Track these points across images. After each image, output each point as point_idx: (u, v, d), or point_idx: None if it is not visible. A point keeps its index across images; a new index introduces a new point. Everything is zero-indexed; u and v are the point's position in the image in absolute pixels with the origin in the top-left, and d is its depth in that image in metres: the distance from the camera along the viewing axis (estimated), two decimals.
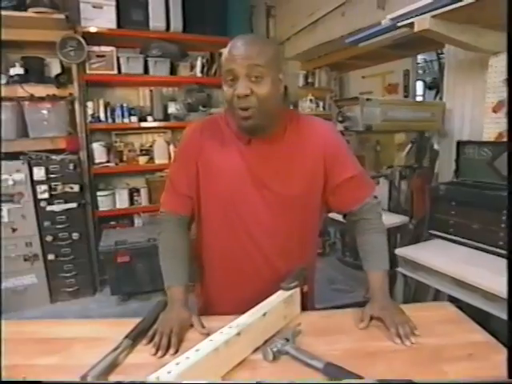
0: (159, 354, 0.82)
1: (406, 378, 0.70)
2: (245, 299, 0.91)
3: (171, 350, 0.83)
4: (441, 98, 2.20)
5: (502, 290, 1.18)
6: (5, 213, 2.59)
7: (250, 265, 1.02)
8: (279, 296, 0.92)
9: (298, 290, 0.97)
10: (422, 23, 1.39)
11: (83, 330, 0.96)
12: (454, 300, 1.38)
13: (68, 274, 2.89)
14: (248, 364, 0.78)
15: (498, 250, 1.43)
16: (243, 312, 0.85)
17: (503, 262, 1.38)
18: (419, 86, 4.87)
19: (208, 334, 0.87)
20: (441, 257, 1.49)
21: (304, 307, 1.00)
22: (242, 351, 0.79)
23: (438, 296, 1.77)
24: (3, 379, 0.70)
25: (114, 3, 2.88)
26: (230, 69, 0.87)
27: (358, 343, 0.85)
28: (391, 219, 1.98)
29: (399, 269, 1.59)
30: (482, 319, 0.98)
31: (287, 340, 0.81)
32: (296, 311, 0.97)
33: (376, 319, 0.92)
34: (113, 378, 0.76)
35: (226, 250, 1.03)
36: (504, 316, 1.18)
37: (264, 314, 0.84)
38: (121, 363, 0.81)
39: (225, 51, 0.90)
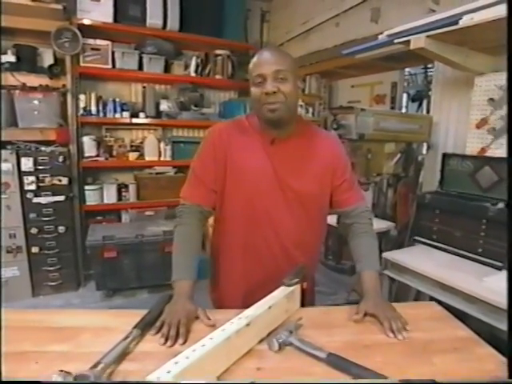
0: (168, 343, 0.86)
1: (402, 368, 0.77)
2: (261, 286, 1.03)
3: (180, 340, 0.86)
4: (427, 111, 2.32)
5: (481, 293, 1.29)
6: None
7: (270, 254, 1.13)
8: (282, 291, 0.97)
9: (298, 286, 1.03)
10: (417, 41, 1.49)
11: (90, 320, 0.98)
12: (435, 301, 1.48)
13: (52, 268, 2.85)
14: (255, 354, 0.83)
15: (478, 257, 1.54)
16: (257, 300, 0.92)
17: (482, 268, 1.50)
18: (403, 97, 5.07)
19: (214, 326, 0.92)
20: (425, 261, 1.59)
21: (303, 303, 1.06)
22: (250, 341, 0.84)
23: (418, 297, 1.87)
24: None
25: None
26: (260, 73, 1.01)
27: (355, 336, 0.91)
28: (377, 224, 2.06)
29: (386, 271, 1.68)
30: (460, 319, 1.07)
31: (290, 332, 0.87)
32: (296, 306, 1.03)
33: (370, 315, 0.98)
34: (124, 364, 0.79)
35: (249, 239, 1.13)
36: (481, 316, 1.29)
37: (269, 307, 0.89)
38: (131, 351, 0.84)
39: (253, 60, 1.06)
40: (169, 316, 0.93)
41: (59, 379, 0.69)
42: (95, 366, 0.74)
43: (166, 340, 0.86)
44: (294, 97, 1.04)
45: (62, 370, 0.70)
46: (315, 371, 0.78)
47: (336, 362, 0.78)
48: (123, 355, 0.81)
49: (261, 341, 0.87)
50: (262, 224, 1.11)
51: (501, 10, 1.24)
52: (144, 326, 0.92)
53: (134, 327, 0.90)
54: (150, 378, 0.63)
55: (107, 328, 0.93)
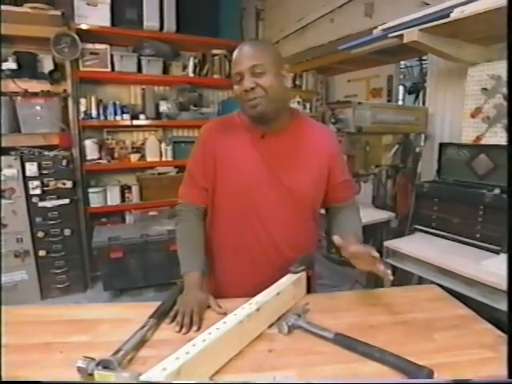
0: (183, 331, 0.90)
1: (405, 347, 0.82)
2: (255, 286, 0.99)
3: (194, 327, 0.91)
4: (423, 103, 2.37)
5: (480, 276, 1.34)
6: None
7: (262, 253, 1.11)
8: (289, 278, 1.02)
9: (304, 273, 1.07)
10: (410, 35, 1.53)
11: (107, 313, 1.03)
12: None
13: (59, 271, 2.89)
14: (266, 337, 0.88)
15: (476, 242, 1.59)
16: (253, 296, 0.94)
17: (480, 252, 1.54)
18: (400, 90, 5.10)
19: (225, 313, 0.96)
20: (425, 248, 1.63)
21: (309, 289, 1.11)
22: (260, 325, 0.88)
23: (420, 284, 1.92)
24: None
25: (108, 1, 2.91)
26: (237, 71, 1.00)
27: (360, 318, 0.96)
28: (378, 215, 2.13)
29: (387, 260, 1.73)
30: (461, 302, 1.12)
31: (299, 316, 0.92)
32: (302, 292, 1.08)
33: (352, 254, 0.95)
34: (143, 351, 0.84)
35: (240, 238, 1.12)
36: (481, 298, 1.34)
37: (277, 294, 0.94)
38: (149, 339, 0.88)
39: (233, 57, 1.03)
40: (182, 306, 0.97)
41: (84, 365, 0.74)
42: (116, 352, 0.79)
43: (181, 328, 0.91)
44: (277, 89, 1.00)
45: (86, 357, 0.75)
46: (323, 350, 0.83)
47: (343, 340, 0.83)
48: (142, 343, 0.86)
49: (271, 325, 0.92)
50: (252, 222, 1.09)
51: (490, 2, 1.28)
52: (159, 316, 0.97)
53: (150, 317, 0.95)
54: (170, 359, 0.68)
55: (124, 319, 0.98)
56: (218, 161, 1.09)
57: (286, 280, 1.01)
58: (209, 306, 1.01)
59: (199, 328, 0.91)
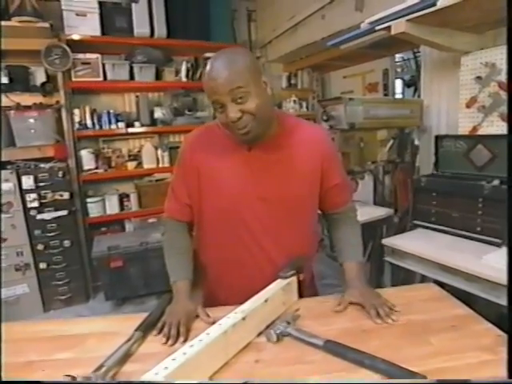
0: (170, 342, 0.87)
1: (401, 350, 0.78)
2: (247, 296, 0.94)
3: (181, 339, 0.88)
4: (419, 96, 2.32)
5: (481, 271, 1.29)
6: None
7: (255, 266, 1.06)
8: (278, 284, 0.99)
9: (295, 278, 1.04)
10: (398, 27, 1.49)
11: (95, 327, 1.00)
12: (439, 284, 1.48)
13: (60, 282, 2.88)
14: (253, 346, 0.85)
15: (476, 236, 1.54)
16: None
17: (481, 246, 1.50)
18: (398, 84, 5.05)
19: (213, 323, 0.93)
20: (425, 244, 1.59)
21: (301, 294, 1.07)
22: (247, 334, 0.85)
23: (423, 282, 1.87)
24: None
25: (97, 11, 2.91)
26: (215, 99, 0.89)
27: (353, 323, 0.92)
28: (377, 212, 2.08)
29: (386, 258, 1.68)
30: (463, 300, 1.07)
31: (288, 323, 0.88)
32: (293, 298, 1.04)
33: (355, 304, 0.98)
34: (127, 366, 0.81)
35: (231, 253, 1.07)
36: (483, 295, 1.29)
37: (266, 301, 0.91)
38: (134, 353, 0.86)
39: (204, 78, 0.91)
40: (169, 316, 0.95)
41: None
42: (98, 368, 0.76)
43: (168, 339, 0.88)
44: (264, 106, 0.91)
45: (66, 375, 0.73)
46: (313, 359, 0.79)
47: (333, 348, 0.79)
48: (126, 357, 0.83)
49: (260, 334, 0.89)
50: (243, 238, 1.04)
51: None
52: (146, 328, 0.94)
53: (136, 329, 0.92)
54: (148, 375, 0.65)
55: (112, 333, 0.94)
56: (203, 178, 1.04)
57: (275, 286, 0.98)
58: (198, 316, 0.98)
59: (186, 339, 0.89)
